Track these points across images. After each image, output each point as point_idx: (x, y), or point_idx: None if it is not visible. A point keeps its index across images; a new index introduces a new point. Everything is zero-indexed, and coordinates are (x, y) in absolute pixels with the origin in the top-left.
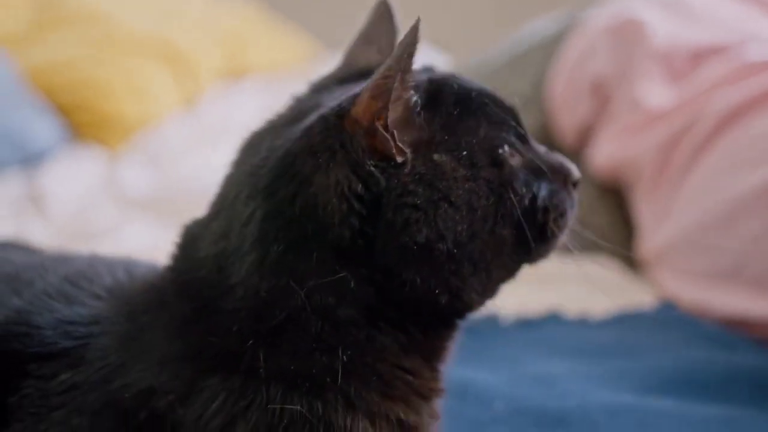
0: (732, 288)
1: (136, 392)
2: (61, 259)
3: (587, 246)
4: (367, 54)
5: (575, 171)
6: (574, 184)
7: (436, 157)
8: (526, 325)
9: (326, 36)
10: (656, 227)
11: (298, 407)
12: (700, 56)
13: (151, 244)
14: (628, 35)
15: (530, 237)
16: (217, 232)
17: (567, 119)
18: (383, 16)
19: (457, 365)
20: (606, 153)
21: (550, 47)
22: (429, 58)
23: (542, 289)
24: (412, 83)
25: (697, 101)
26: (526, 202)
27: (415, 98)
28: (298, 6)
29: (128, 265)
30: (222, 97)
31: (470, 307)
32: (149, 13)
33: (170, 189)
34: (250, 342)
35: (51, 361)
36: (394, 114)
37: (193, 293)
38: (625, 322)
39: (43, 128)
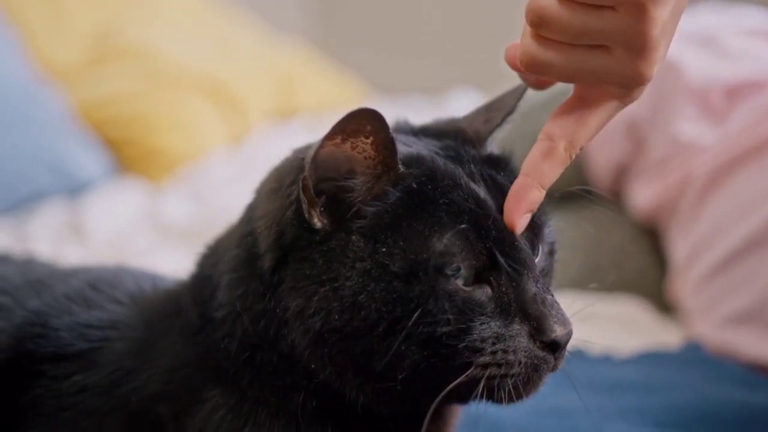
0: (755, 330)
1: (143, 397)
2: (88, 268)
3: (618, 287)
4: (474, 119)
5: (553, 332)
6: (546, 345)
7: (353, 238)
8: None
9: (374, 77)
10: (687, 267)
11: None
12: (736, 93)
13: (188, 271)
14: (663, 74)
15: (439, 367)
16: (221, 243)
17: (602, 160)
18: (512, 95)
19: None
20: (644, 194)
21: None
22: (469, 98)
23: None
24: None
25: (731, 140)
26: (443, 329)
27: (362, 185)
28: (346, 47)
29: (155, 279)
30: (269, 136)
31: (345, 393)
32: (201, 51)
33: (211, 221)
34: (236, 362)
35: (65, 363)
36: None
37: (200, 301)
38: (649, 360)
39: (89, 160)
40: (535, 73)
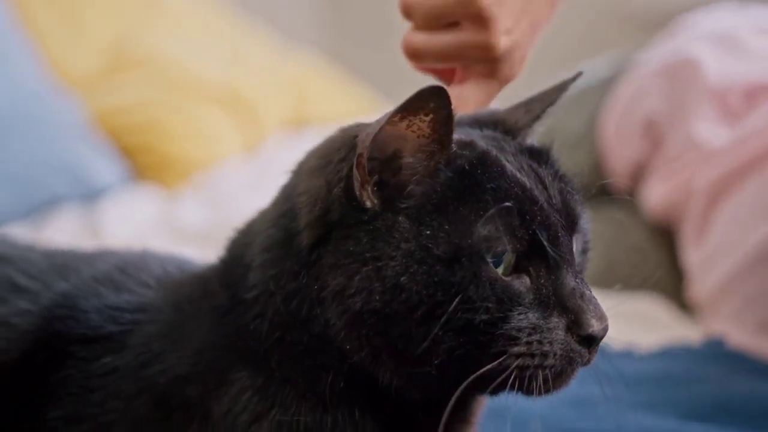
0: None
1: (171, 379)
2: (113, 252)
3: (638, 285)
4: (515, 111)
5: (590, 326)
6: (583, 338)
7: (400, 219)
8: None
9: (387, 88)
10: (702, 272)
11: (310, 419)
12: (754, 94)
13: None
14: (681, 74)
15: (474, 355)
16: (252, 226)
17: (620, 159)
18: (556, 89)
19: None
20: (659, 193)
21: (604, 88)
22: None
23: None
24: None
25: (745, 143)
26: (482, 317)
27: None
28: (359, 58)
29: (181, 262)
30: (283, 144)
31: (378, 376)
32: (217, 61)
33: (226, 227)
34: (266, 343)
35: (94, 344)
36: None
37: (230, 284)
38: (670, 355)
39: (105, 167)
40: (415, 60)
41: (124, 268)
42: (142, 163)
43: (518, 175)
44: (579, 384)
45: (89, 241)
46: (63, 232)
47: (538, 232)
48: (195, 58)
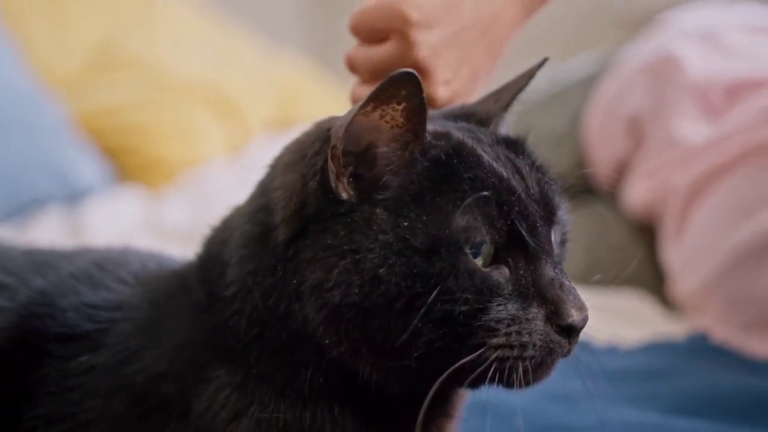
0: (762, 334)
1: (149, 377)
2: (93, 248)
3: (619, 282)
4: (485, 101)
5: (569, 316)
6: (563, 329)
7: (377, 210)
8: None
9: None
10: (683, 272)
11: (289, 416)
12: (736, 92)
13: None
14: (664, 71)
15: (453, 346)
16: (229, 222)
17: (603, 156)
18: (525, 75)
19: None
20: (640, 191)
21: (587, 85)
22: None
23: None
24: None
25: (723, 143)
26: (461, 308)
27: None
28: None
29: (161, 259)
30: (268, 145)
31: (359, 370)
32: (201, 62)
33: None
34: (244, 340)
35: (72, 343)
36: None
37: (208, 280)
38: (654, 349)
39: (88, 168)
40: (351, 71)
41: (102, 265)
42: (127, 164)
43: (495, 165)
44: (563, 379)
45: (73, 242)
46: (47, 233)
47: (516, 222)
48: (180, 59)
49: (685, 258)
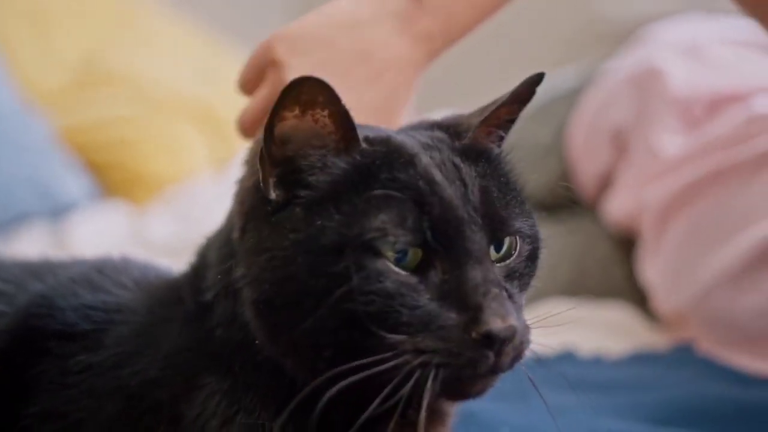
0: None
1: (143, 381)
2: (92, 257)
3: (604, 294)
4: (473, 113)
5: (486, 324)
6: (483, 337)
7: (296, 210)
8: (538, 362)
9: None
10: (663, 289)
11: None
12: (719, 104)
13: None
14: (647, 84)
15: (365, 347)
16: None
17: (587, 168)
18: (516, 90)
19: None
20: (621, 204)
21: (572, 99)
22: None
23: (556, 331)
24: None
25: (703, 157)
26: (368, 309)
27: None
28: None
29: (159, 270)
30: None
31: (285, 367)
32: (186, 76)
33: (195, 240)
34: (228, 347)
35: (71, 342)
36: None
37: (196, 287)
38: (640, 360)
39: (73, 183)
40: (246, 135)
41: (102, 270)
42: (112, 179)
43: (431, 170)
44: (549, 391)
45: (56, 252)
46: (32, 248)
47: (438, 225)
48: (166, 74)
49: (664, 275)
